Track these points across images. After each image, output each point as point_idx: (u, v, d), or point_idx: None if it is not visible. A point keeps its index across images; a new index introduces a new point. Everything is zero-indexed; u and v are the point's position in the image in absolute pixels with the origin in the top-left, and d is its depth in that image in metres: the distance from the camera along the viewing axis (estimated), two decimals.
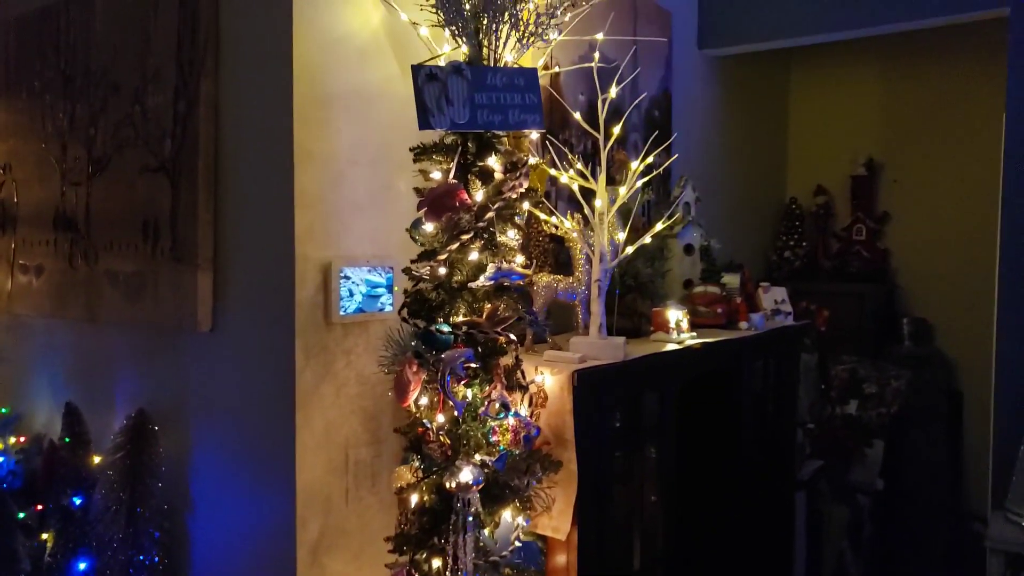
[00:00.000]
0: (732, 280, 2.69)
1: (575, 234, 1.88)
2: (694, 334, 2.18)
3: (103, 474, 1.92)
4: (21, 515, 1.83)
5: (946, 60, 3.95)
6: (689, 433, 2.26)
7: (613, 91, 1.88)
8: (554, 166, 1.93)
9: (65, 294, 2.16)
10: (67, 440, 2.04)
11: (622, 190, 1.83)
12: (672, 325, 2.13)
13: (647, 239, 1.89)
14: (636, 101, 2.65)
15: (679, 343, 2.09)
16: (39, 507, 1.91)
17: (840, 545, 3.14)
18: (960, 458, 3.91)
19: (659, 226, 1.91)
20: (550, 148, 2.19)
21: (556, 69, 2.29)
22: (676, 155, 2.84)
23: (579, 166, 1.88)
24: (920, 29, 3.11)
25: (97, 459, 2.02)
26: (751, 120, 4.02)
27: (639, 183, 1.85)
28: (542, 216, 1.92)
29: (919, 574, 3.56)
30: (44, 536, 1.86)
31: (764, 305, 2.74)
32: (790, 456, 2.81)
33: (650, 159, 1.85)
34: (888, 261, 4.15)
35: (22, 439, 2.20)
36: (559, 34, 1.74)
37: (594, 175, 1.84)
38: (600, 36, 2.01)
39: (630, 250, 1.86)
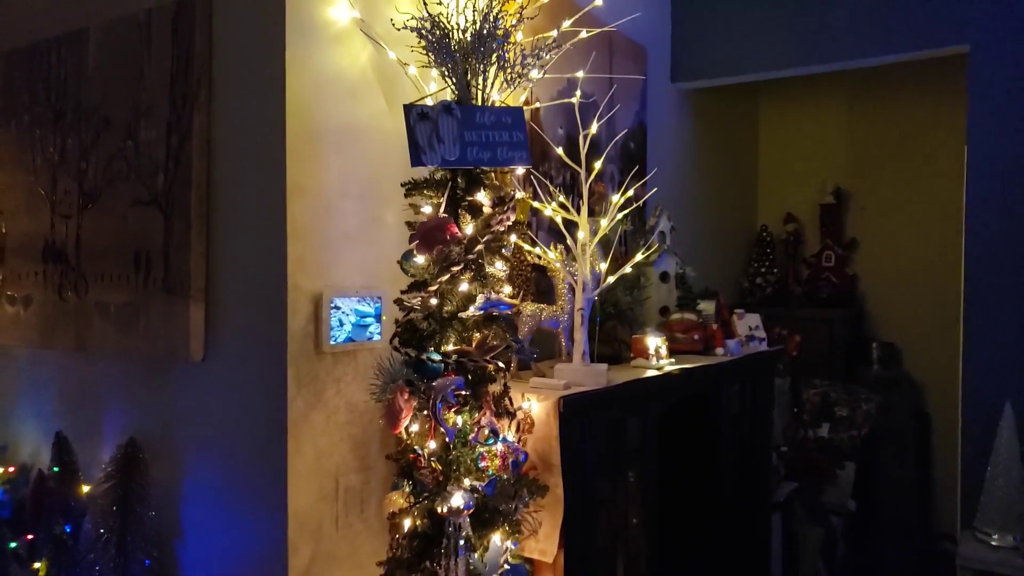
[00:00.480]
0: (708, 307, 2.78)
1: (558, 264, 1.95)
2: (672, 360, 2.25)
3: (93, 503, 1.93)
4: (12, 545, 1.83)
5: (910, 93, 4.12)
6: (669, 456, 2.32)
7: (594, 127, 1.95)
8: (536, 198, 2.01)
9: (54, 325, 2.17)
10: (56, 470, 2.05)
11: (603, 222, 1.91)
12: (652, 351, 2.20)
13: (628, 268, 1.97)
14: (616, 138, 2.75)
15: (659, 369, 2.16)
16: (29, 537, 1.91)
17: (815, 566, 3.21)
18: (929, 478, 4.02)
19: (639, 256, 1.99)
20: (532, 181, 2.27)
21: (536, 105, 2.37)
22: (655, 188, 2.93)
23: (560, 198, 1.96)
24: (884, 64, 3.25)
25: (86, 488, 2.03)
26: (723, 150, 4.15)
27: (619, 215, 1.93)
28: (525, 247, 1.98)
29: None
30: (36, 566, 1.87)
31: (739, 331, 2.82)
32: (766, 478, 2.88)
33: (630, 192, 1.93)
34: (856, 286, 4.28)
35: (11, 469, 2.20)
36: (542, 73, 1.82)
37: (575, 207, 1.92)
38: (581, 74, 2.10)
39: (612, 279, 1.93)
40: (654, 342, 2.21)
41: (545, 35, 1.92)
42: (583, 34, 2.11)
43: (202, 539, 1.92)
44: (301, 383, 1.77)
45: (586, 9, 2.19)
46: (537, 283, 2.32)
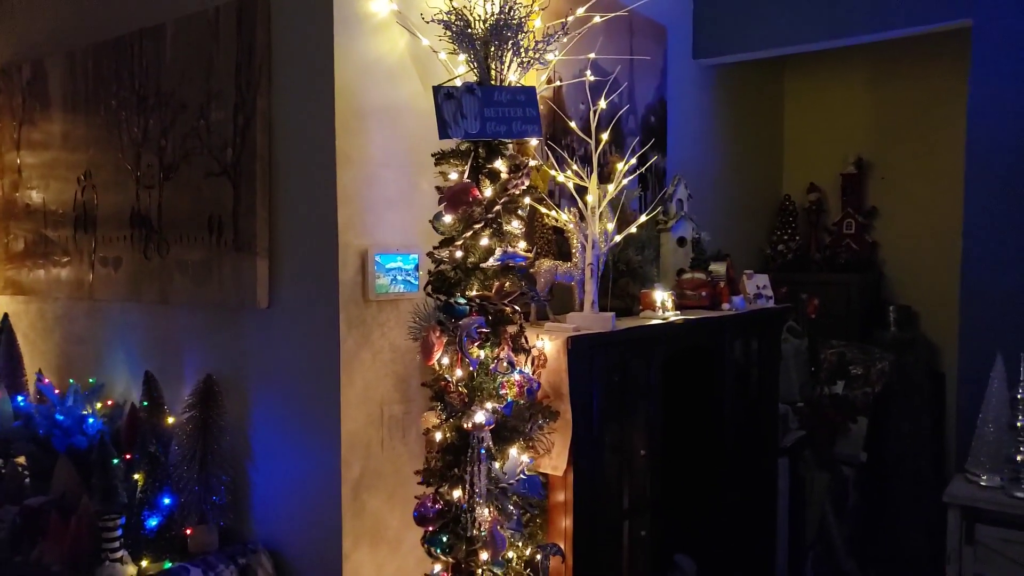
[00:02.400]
0: (718, 268, 3.01)
1: (571, 225, 2.22)
2: (678, 312, 2.51)
3: (178, 430, 2.29)
4: (115, 460, 2.20)
5: (931, 64, 4.24)
6: (679, 398, 2.60)
7: (603, 103, 2.22)
8: (556, 167, 2.28)
9: (140, 281, 2.53)
10: (145, 404, 2.41)
11: (611, 187, 2.18)
12: (658, 304, 2.46)
13: (633, 228, 2.24)
14: (622, 111, 3.00)
15: (663, 319, 2.42)
16: (128, 456, 2.28)
17: (823, 508, 3.45)
18: (943, 433, 4.20)
19: (643, 218, 2.26)
20: (550, 153, 2.54)
21: (557, 83, 2.63)
22: (656, 156, 3.16)
23: (575, 167, 2.23)
24: (905, 37, 3.39)
25: (171, 420, 2.39)
26: (747, 123, 4.34)
27: (625, 181, 2.19)
28: (543, 210, 2.26)
29: (902, 537, 3.86)
30: (136, 477, 2.23)
31: (747, 290, 3.07)
32: (773, 424, 3.13)
33: (633, 160, 2.19)
34: (876, 252, 4.45)
35: (109, 403, 2.59)
36: (555, 57, 2.08)
37: (589, 175, 2.19)
38: (592, 55, 2.36)
39: (619, 238, 2.21)
40: (660, 296, 2.47)
41: (555, 22, 2.19)
42: (596, 19, 2.37)
43: (269, 460, 2.27)
44: (351, 326, 2.09)
45: None
46: (559, 244, 2.59)
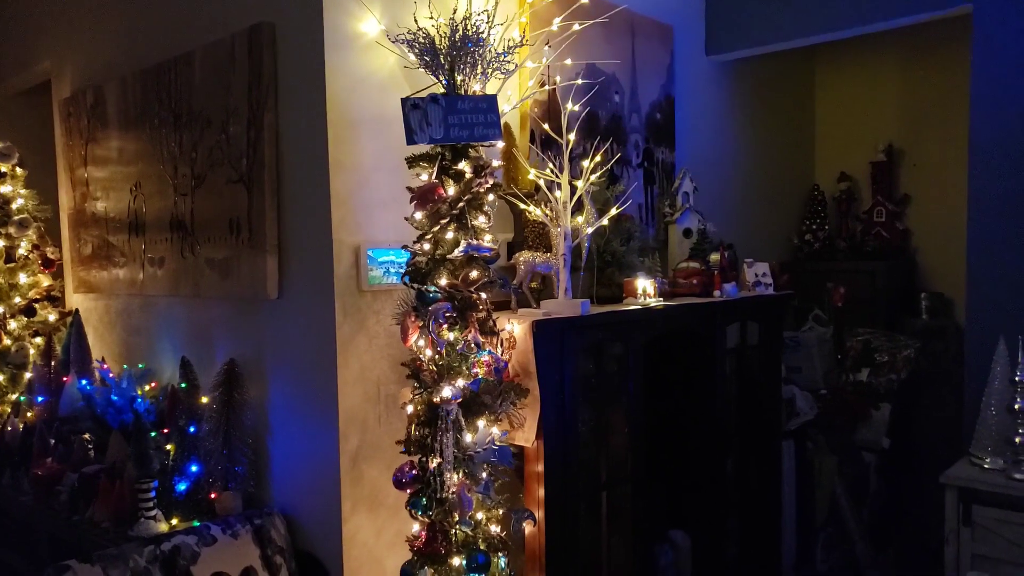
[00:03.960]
0: (716, 257, 3.14)
1: (546, 219, 2.42)
2: (660, 299, 2.66)
3: (208, 408, 2.60)
4: (153, 434, 2.54)
5: (961, 50, 4.17)
6: (676, 381, 2.75)
7: (572, 106, 2.40)
8: (528, 167, 2.48)
9: (179, 278, 2.87)
10: (183, 385, 2.75)
11: (580, 183, 2.36)
12: (640, 292, 2.62)
13: (605, 221, 2.42)
14: (623, 110, 3.15)
15: (642, 305, 2.58)
16: (165, 431, 2.62)
17: (834, 491, 3.50)
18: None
19: (614, 210, 2.43)
20: (538, 153, 2.73)
21: (548, 87, 2.82)
22: (663, 152, 3.30)
23: (551, 166, 2.42)
24: (935, 20, 3.36)
25: (204, 399, 2.72)
26: (772, 115, 4.39)
27: (593, 177, 2.37)
28: (521, 206, 2.46)
29: (921, 522, 3.85)
30: (168, 447, 2.57)
31: (747, 278, 3.17)
32: (776, 407, 3.22)
33: (598, 157, 2.37)
34: (908, 240, 4.43)
35: (153, 385, 2.95)
36: (547, 59, 2.28)
37: (577, 173, 2.38)
38: (569, 61, 2.55)
39: (589, 230, 2.39)
40: (643, 284, 2.63)
41: (540, 32, 2.40)
42: (576, 27, 2.56)
43: (283, 433, 2.56)
44: (347, 313, 2.35)
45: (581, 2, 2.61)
46: (550, 237, 2.78)
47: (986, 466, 2.88)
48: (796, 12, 3.62)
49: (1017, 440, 2.80)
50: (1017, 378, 2.79)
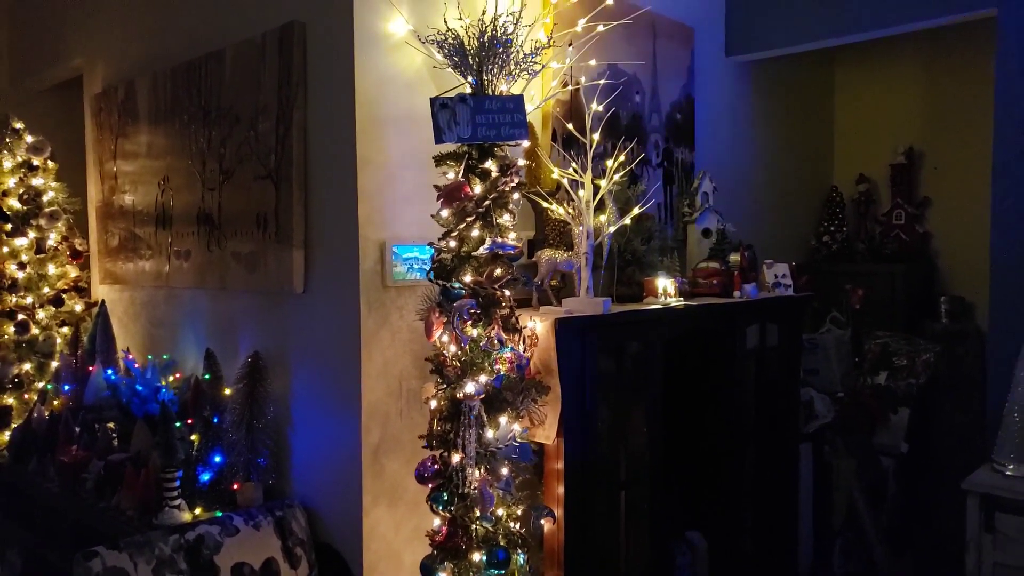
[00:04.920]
0: (736, 257, 3.15)
1: (568, 218, 2.44)
2: (680, 299, 2.67)
3: (231, 400, 2.65)
4: (178, 424, 2.58)
5: (982, 53, 4.16)
6: (694, 381, 2.76)
7: (596, 106, 2.42)
8: (551, 166, 2.50)
9: (204, 271, 2.92)
10: (207, 377, 2.79)
11: (603, 183, 2.38)
12: (660, 291, 2.64)
13: (627, 220, 2.44)
14: (644, 110, 3.16)
15: (663, 305, 2.59)
16: (190, 421, 2.66)
17: (852, 494, 3.50)
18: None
19: (636, 209, 2.45)
20: (560, 152, 2.75)
21: (571, 87, 2.84)
22: (682, 152, 3.31)
23: (575, 165, 2.44)
24: (955, 25, 3.34)
25: (228, 391, 2.76)
26: (791, 116, 4.39)
27: (616, 176, 2.39)
28: (544, 204, 2.48)
29: (940, 528, 3.84)
30: (192, 437, 2.61)
31: (766, 279, 3.18)
32: (794, 409, 3.22)
33: (622, 157, 2.39)
34: (928, 243, 4.41)
35: (178, 375, 2.99)
36: (570, 61, 2.30)
37: (599, 172, 2.41)
38: (593, 62, 2.57)
39: (612, 229, 2.41)
40: (663, 283, 2.64)
41: (563, 33, 2.42)
42: (600, 27, 2.57)
43: (305, 426, 2.59)
44: (371, 308, 2.38)
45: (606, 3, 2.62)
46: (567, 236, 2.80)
47: (1008, 473, 2.86)
48: (816, 14, 3.62)
49: None
50: None
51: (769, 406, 3.10)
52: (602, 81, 2.69)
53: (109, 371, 3.13)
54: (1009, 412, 2.92)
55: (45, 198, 3.64)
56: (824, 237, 4.45)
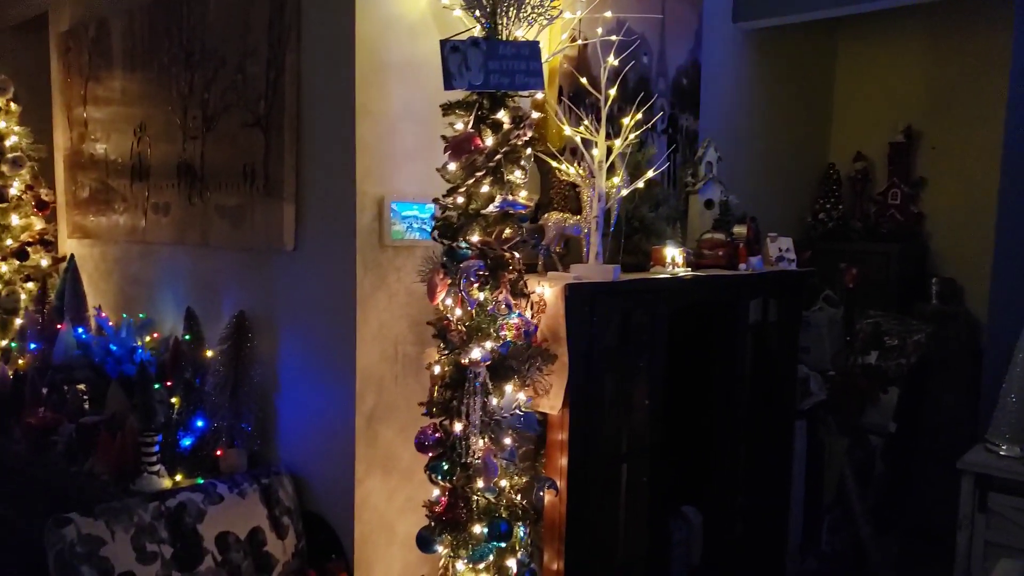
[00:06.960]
0: (740, 230, 3.05)
1: (579, 179, 2.31)
2: (688, 269, 2.57)
3: (213, 361, 2.49)
4: (156, 386, 2.42)
5: (985, 33, 4.10)
6: (696, 353, 2.67)
7: (613, 60, 2.29)
8: (563, 122, 2.37)
9: (185, 226, 2.74)
10: (187, 337, 2.63)
11: (617, 142, 2.25)
12: (668, 260, 2.53)
13: (640, 183, 2.31)
14: (650, 72, 3.03)
15: (671, 274, 2.49)
16: (168, 383, 2.51)
17: (842, 473, 3.47)
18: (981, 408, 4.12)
19: (650, 172, 2.32)
20: (569, 109, 2.62)
21: (580, 42, 2.69)
22: (687, 118, 3.20)
23: (586, 123, 2.31)
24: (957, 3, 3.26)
25: (209, 352, 2.60)
26: (792, 88, 4.29)
27: (632, 136, 2.26)
28: (554, 164, 2.35)
29: (925, 508, 3.84)
30: (173, 400, 2.46)
31: (770, 252, 3.09)
32: (791, 386, 3.16)
33: (639, 115, 2.26)
34: (922, 224, 4.36)
35: (155, 335, 2.83)
36: (581, 13, 2.15)
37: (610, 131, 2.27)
38: (608, 14, 2.42)
39: (625, 192, 2.28)
40: (671, 252, 2.54)
41: None
42: None
43: (293, 391, 2.45)
44: (367, 269, 2.24)
45: None
46: (574, 199, 2.68)
47: (1002, 453, 2.84)
48: None
49: None
50: None
51: (767, 382, 3.03)
52: (614, 37, 2.55)
53: (79, 330, 2.95)
54: (1006, 393, 2.90)
55: (7, 143, 3.41)
56: (820, 214, 4.39)
